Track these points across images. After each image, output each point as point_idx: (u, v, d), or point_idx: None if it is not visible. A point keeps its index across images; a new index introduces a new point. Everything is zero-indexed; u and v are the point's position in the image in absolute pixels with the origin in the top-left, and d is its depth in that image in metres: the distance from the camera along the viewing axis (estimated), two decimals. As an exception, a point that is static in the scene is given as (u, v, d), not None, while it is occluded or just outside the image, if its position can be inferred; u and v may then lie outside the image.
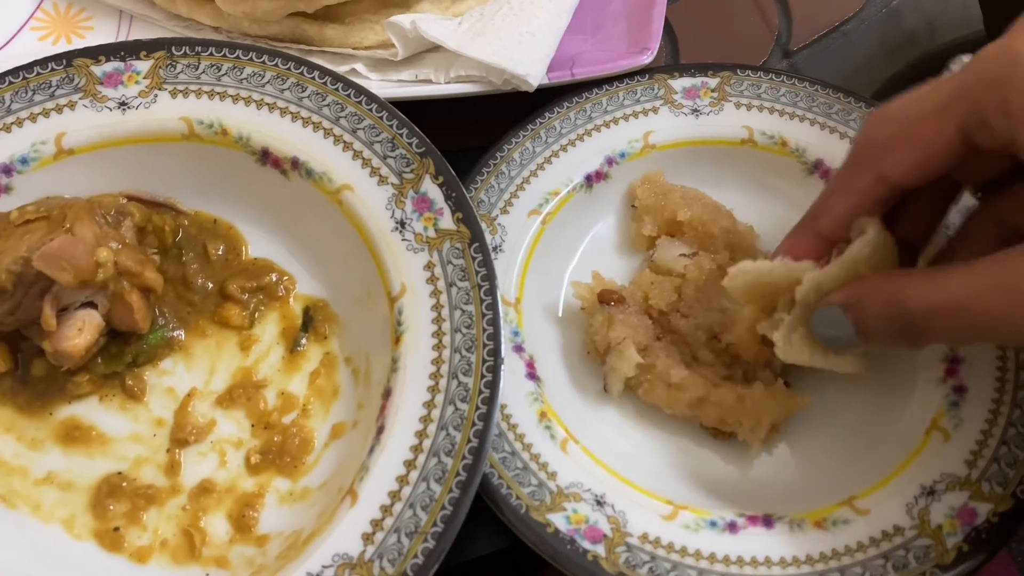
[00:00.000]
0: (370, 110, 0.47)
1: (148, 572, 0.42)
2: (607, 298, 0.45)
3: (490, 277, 0.43)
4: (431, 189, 0.45)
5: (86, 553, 0.42)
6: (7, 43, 0.54)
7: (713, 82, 0.52)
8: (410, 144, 0.46)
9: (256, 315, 0.48)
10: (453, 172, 0.45)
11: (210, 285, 0.48)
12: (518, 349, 0.45)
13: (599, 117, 0.51)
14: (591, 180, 0.50)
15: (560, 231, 0.49)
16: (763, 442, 0.43)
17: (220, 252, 0.49)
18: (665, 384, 0.43)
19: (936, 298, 0.32)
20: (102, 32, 0.56)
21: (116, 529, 0.43)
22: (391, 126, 0.46)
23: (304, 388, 0.46)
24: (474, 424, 0.40)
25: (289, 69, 0.48)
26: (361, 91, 0.47)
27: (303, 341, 0.47)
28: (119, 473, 0.44)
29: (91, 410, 0.46)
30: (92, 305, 0.44)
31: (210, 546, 0.43)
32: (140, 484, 0.44)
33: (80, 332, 0.44)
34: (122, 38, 0.56)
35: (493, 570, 0.49)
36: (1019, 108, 0.31)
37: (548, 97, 0.52)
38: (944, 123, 0.34)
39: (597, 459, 0.42)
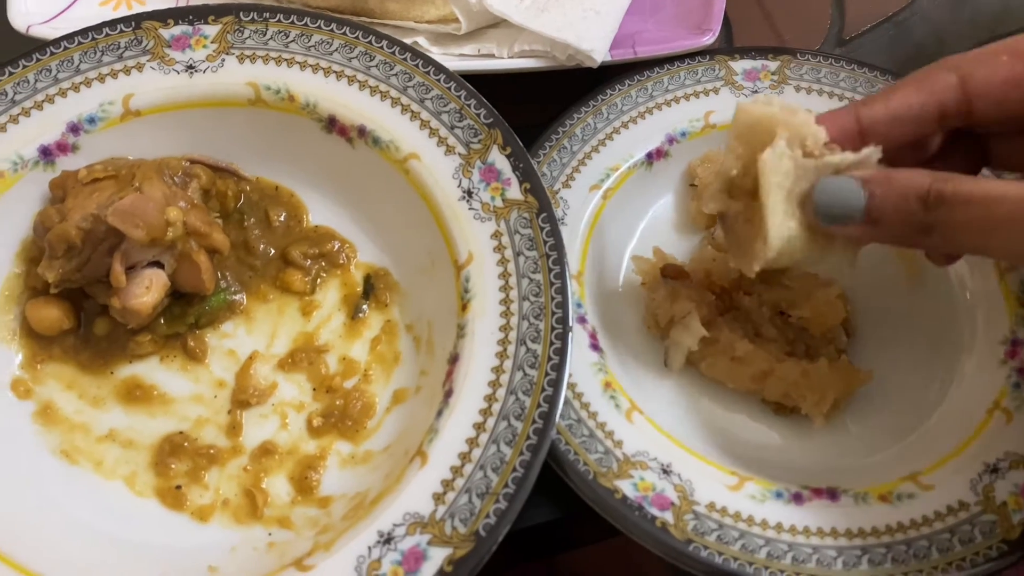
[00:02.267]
0: (438, 80, 0.47)
1: (210, 530, 0.42)
2: (670, 272, 0.46)
3: (558, 247, 0.43)
4: (499, 159, 0.45)
5: (148, 509, 0.43)
6: (69, 6, 0.54)
7: (773, 65, 0.52)
8: (478, 115, 0.46)
9: (318, 281, 0.48)
10: (520, 143, 0.45)
11: (272, 251, 0.49)
12: (581, 320, 0.45)
13: (660, 96, 0.51)
14: (652, 158, 0.50)
15: (620, 207, 0.49)
16: (826, 417, 0.43)
17: (282, 219, 0.49)
18: (729, 358, 0.44)
19: (977, 190, 0.32)
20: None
21: (178, 487, 0.43)
22: (459, 96, 0.47)
23: (365, 354, 0.46)
24: (544, 390, 0.40)
25: (357, 38, 0.48)
26: (429, 62, 0.47)
27: (364, 308, 0.48)
28: (180, 433, 0.44)
29: (152, 370, 0.46)
30: (159, 265, 0.45)
31: (272, 507, 0.43)
32: (201, 444, 0.44)
33: (148, 290, 0.44)
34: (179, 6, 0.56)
35: (522, 548, 0.49)
36: None
37: (601, 78, 0.52)
38: None
39: (662, 429, 0.42)
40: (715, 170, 0.38)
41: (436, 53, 0.53)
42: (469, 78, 0.49)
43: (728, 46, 0.59)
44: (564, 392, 0.40)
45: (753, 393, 0.44)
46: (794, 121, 0.35)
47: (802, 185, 0.35)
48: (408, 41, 0.53)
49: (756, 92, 0.51)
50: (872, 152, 0.34)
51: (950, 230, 0.32)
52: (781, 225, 0.34)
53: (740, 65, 0.52)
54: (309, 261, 0.48)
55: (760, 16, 0.61)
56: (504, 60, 0.51)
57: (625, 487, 0.40)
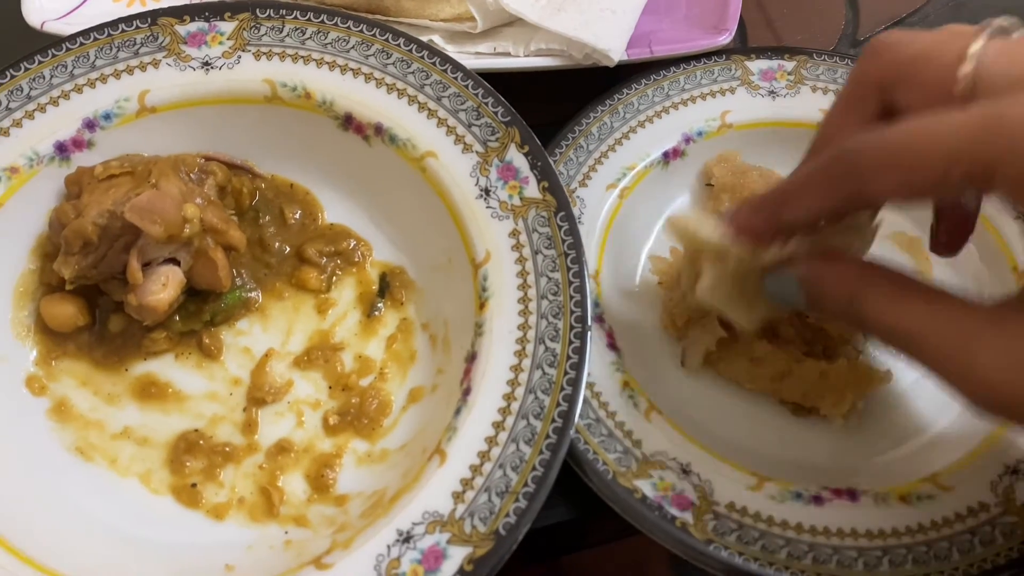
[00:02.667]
0: (455, 78, 0.47)
1: (226, 528, 0.42)
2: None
3: (576, 246, 0.43)
4: (516, 158, 0.45)
5: (163, 507, 0.42)
6: (82, 3, 0.54)
7: (790, 65, 0.52)
8: (495, 113, 0.46)
9: (333, 279, 0.48)
10: (538, 141, 0.45)
11: (287, 248, 0.48)
12: (599, 320, 0.45)
13: (676, 95, 0.51)
14: (668, 157, 0.50)
15: (637, 206, 0.49)
16: (845, 418, 0.43)
17: (297, 216, 0.49)
18: (747, 359, 0.43)
19: (890, 321, 0.31)
20: (176, -3, 0.56)
21: (193, 485, 0.43)
22: (476, 95, 0.47)
23: (381, 352, 0.46)
24: (563, 388, 0.40)
25: (374, 35, 0.48)
26: (446, 59, 0.47)
27: (380, 306, 0.47)
28: (196, 430, 0.44)
29: (167, 367, 0.46)
30: (175, 261, 0.44)
31: (288, 505, 0.42)
32: (217, 442, 0.44)
33: (164, 287, 0.44)
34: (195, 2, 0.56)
35: (529, 550, 0.49)
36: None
37: (616, 78, 0.52)
38: (949, 167, 0.29)
39: (681, 429, 0.42)
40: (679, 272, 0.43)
41: (451, 51, 0.53)
42: (484, 76, 0.49)
43: (742, 46, 0.59)
44: (583, 391, 0.39)
45: (771, 394, 0.44)
46: (713, 244, 0.37)
47: (751, 277, 0.37)
48: (423, 39, 0.53)
49: (773, 92, 0.51)
50: (798, 243, 0.36)
51: (889, 347, 0.33)
52: (749, 317, 0.38)
53: (756, 65, 0.52)
54: (324, 259, 0.48)
55: (774, 17, 0.61)
56: (520, 59, 0.51)
57: (645, 487, 0.40)
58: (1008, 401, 0.28)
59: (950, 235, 0.40)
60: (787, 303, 0.37)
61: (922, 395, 0.44)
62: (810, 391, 0.43)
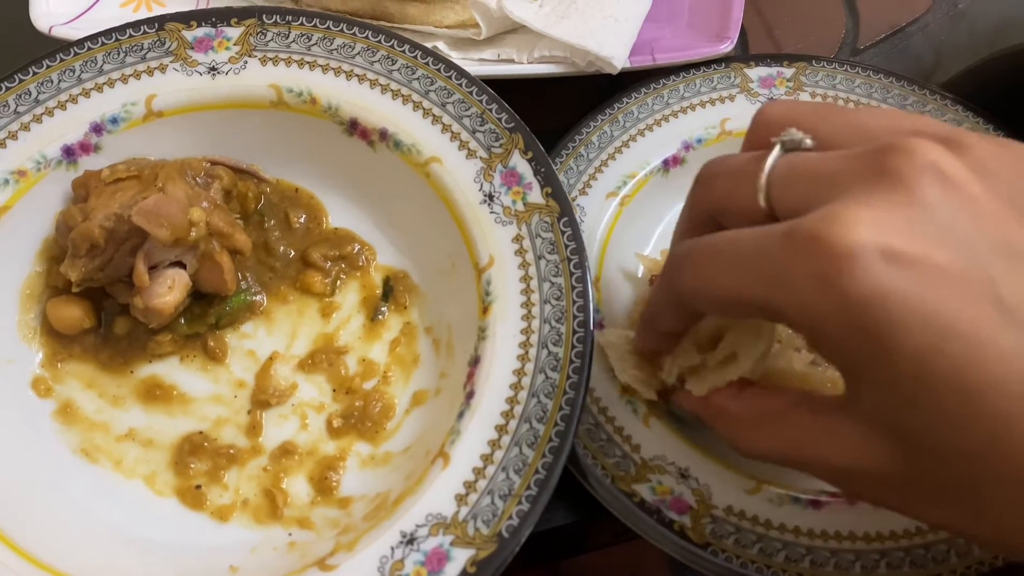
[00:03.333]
0: (459, 85, 0.47)
1: (230, 530, 0.42)
2: None
3: (579, 251, 0.43)
4: (520, 164, 0.46)
5: (168, 509, 0.43)
6: (90, 8, 0.54)
7: (788, 72, 0.53)
8: (499, 119, 0.47)
9: (337, 283, 0.48)
10: (542, 148, 0.46)
11: (292, 252, 0.49)
12: (599, 326, 0.46)
13: (676, 103, 0.51)
14: (668, 164, 0.50)
15: (637, 214, 0.50)
16: None
17: (301, 221, 0.49)
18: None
19: (756, 450, 0.34)
20: (181, 2, 0.56)
21: (198, 487, 0.43)
22: (480, 101, 0.47)
23: (384, 356, 0.47)
24: (565, 392, 0.40)
25: (380, 42, 0.48)
26: (451, 66, 0.48)
27: (383, 310, 0.48)
28: (200, 432, 0.45)
29: (172, 370, 0.46)
30: (180, 265, 0.45)
31: (292, 507, 0.43)
32: (221, 444, 0.44)
33: (170, 290, 0.44)
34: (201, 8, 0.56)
35: (530, 552, 0.49)
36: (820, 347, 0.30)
37: (617, 85, 0.52)
38: (742, 295, 0.31)
39: (679, 434, 0.43)
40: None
41: (456, 57, 0.53)
42: (488, 83, 0.50)
43: (743, 53, 0.59)
44: (585, 395, 0.40)
45: None
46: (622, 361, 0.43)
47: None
48: (428, 46, 0.53)
49: (772, 98, 0.51)
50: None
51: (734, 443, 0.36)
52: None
53: (756, 72, 0.52)
54: (329, 263, 0.48)
55: (774, 24, 0.61)
56: (524, 65, 0.52)
57: (643, 491, 0.40)
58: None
59: None
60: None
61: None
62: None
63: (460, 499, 0.38)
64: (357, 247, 0.49)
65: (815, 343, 0.29)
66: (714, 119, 0.51)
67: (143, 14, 0.55)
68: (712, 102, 0.51)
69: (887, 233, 0.26)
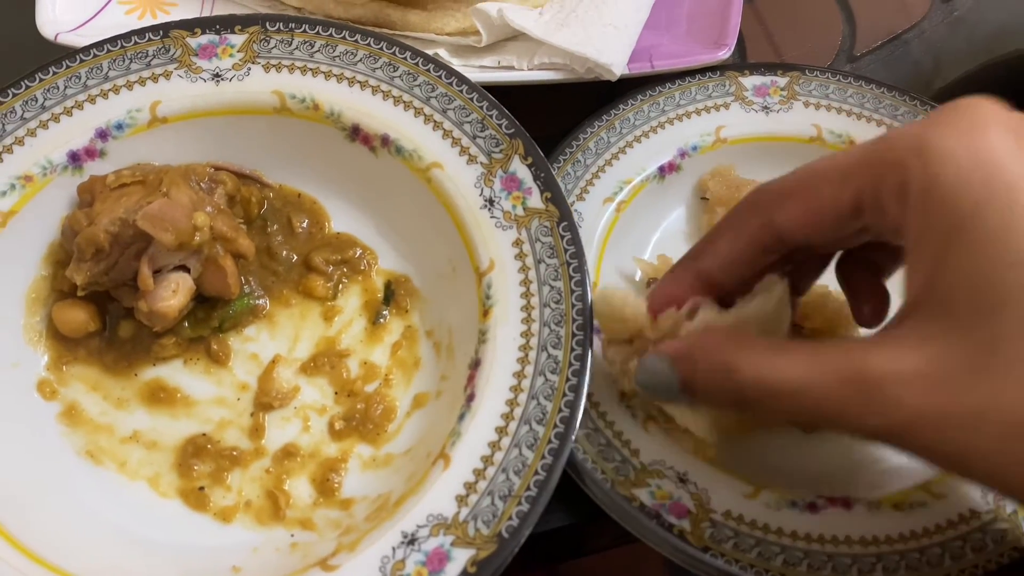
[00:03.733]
0: (460, 91, 0.48)
1: (232, 531, 0.43)
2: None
3: (579, 255, 0.44)
4: (520, 169, 0.46)
5: (172, 510, 0.43)
6: (96, 15, 0.55)
7: (782, 81, 0.53)
8: (499, 125, 0.47)
9: (339, 287, 0.49)
10: (542, 153, 0.46)
11: (294, 257, 0.49)
12: (597, 331, 0.46)
13: (672, 111, 0.52)
14: (664, 171, 0.51)
15: (633, 219, 0.50)
16: None
17: (304, 225, 0.50)
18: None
19: (771, 377, 0.31)
20: (186, 8, 0.57)
21: (201, 488, 0.44)
22: (481, 107, 0.48)
23: (386, 359, 0.47)
24: (565, 395, 0.41)
25: (381, 49, 0.49)
26: (452, 73, 0.48)
27: (385, 314, 0.48)
28: (204, 434, 0.45)
29: (176, 372, 0.47)
30: (184, 269, 0.45)
31: (294, 508, 0.43)
32: (224, 446, 0.45)
33: (174, 293, 0.44)
34: (206, 14, 0.57)
35: (529, 554, 0.50)
36: (915, 197, 0.30)
37: (615, 91, 0.53)
38: (842, 188, 0.32)
39: (677, 438, 0.43)
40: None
41: (456, 65, 0.54)
42: (488, 89, 0.50)
43: (741, 61, 0.60)
44: (584, 397, 0.40)
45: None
46: (633, 321, 0.39)
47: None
48: (429, 53, 0.54)
49: (766, 107, 0.52)
50: (680, 315, 0.38)
51: (773, 413, 0.33)
52: (695, 419, 0.39)
53: (750, 81, 0.53)
54: (331, 267, 0.49)
55: (775, 33, 0.62)
56: (524, 72, 0.52)
57: (643, 495, 0.41)
58: (924, 410, 0.28)
59: (872, 308, 0.40)
60: (660, 393, 0.35)
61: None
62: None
63: (461, 500, 0.39)
64: (359, 251, 0.50)
65: (915, 208, 0.30)
66: (709, 127, 0.51)
67: (148, 21, 0.56)
68: (707, 110, 0.52)
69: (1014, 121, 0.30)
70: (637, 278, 0.49)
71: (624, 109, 0.52)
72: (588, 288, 0.43)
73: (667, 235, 0.51)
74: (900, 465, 0.43)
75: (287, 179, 0.51)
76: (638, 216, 0.50)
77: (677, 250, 0.49)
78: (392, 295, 0.49)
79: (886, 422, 0.28)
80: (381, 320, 0.48)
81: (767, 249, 0.36)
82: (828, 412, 0.30)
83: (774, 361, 0.31)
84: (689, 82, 0.53)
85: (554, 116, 0.53)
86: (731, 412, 0.39)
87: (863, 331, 0.46)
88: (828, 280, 0.46)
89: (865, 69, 0.61)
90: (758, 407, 0.32)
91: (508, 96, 0.51)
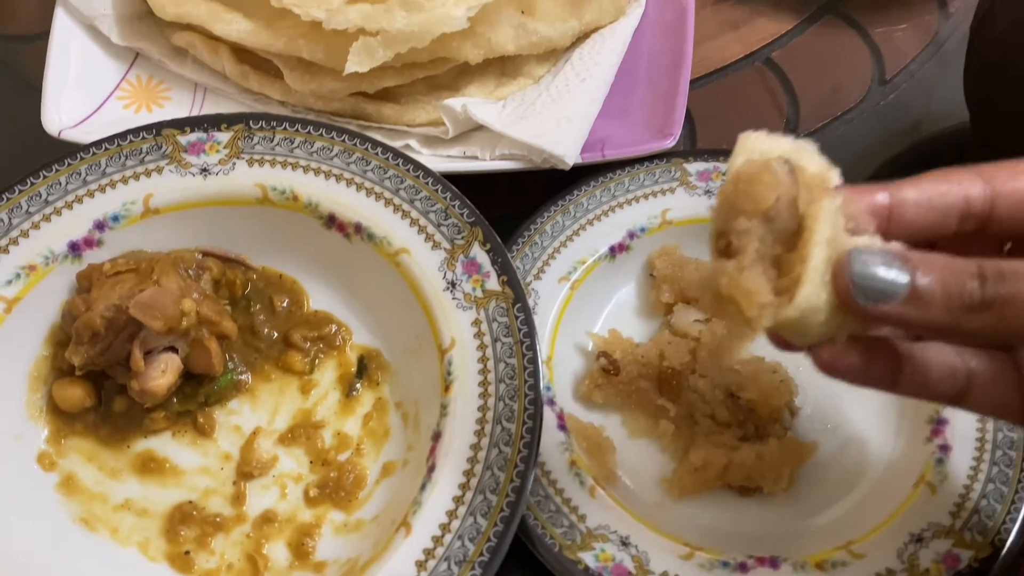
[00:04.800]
0: (426, 183, 0.53)
1: (215, 593, 0.47)
2: (606, 357, 0.51)
3: (531, 334, 0.48)
4: (479, 254, 0.51)
5: (160, 574, 0.47)
6: (96, 110, 0.60)
7: (724, 166, 0.58)
8: (461, 214, 0.52)
9: (316, 362, 0.53)
10: (499, 240, 0.51)
11: (275, 334, 0.54)
12: (550, 403, 0.50)
13: (622, 195, 0.57)
14: (614, 251, 0.55)
15: (586, 296, 0.54)
16: (785, 492, 0.48)
17: (284, 304, 0.54)
18: (691, 472, 0.48)
19: None
20: (179, 102, 0.62)
21: (187, 553, 0.48)
22: (445, 198, 0.52)
23: (358, 429, 0.51)
24: (516, 466, 0.45)
25: (355, 145, 0.54)
26: (419, 166, 0.53)
27: (357, 387, 0.53)
28: (190, 502, 0.49)
29: (165, 444, 0.51)
30: (173, 349, 0.50)
31: (272, 571, 0.47)
32: (209, 512, 0.49)
33: (163, 373, 0.49)
34: (197, 108, 0.62)
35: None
36: None
37: (578, 173, 0.58)
38: None
39: (622, 504, 0.47)
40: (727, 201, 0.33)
41: (426, 154, 0.59)
42: (454, 176, 0.55)
43: (691, 145, 0.65)
44: (535, 468, 0.45)
45: (721, 486, 0.49)
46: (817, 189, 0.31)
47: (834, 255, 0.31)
48: (401, 142, 0.59)
49: (709, 191, 0.57)
50: (899, 246, 0.32)
51: (1012, 306, 0.29)
52: (812, 293, 0.30)
53: (694, 167, 0.57)
54: (308, 343, 0.53)
55: (723, 115, 0.67)
56: (486, 162, 0.57)
57: (588, 558, 0.45)
58: None
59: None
60: (881, 289, 0.30)
61: (842, 467, 0.49)
62: (751, 473, 0.48)
63: (420, 565, 0.43)
64: (334, 327, 0.54)
65: None
66: (656, 210, 0.56)
67: (144, 114, 0.61)
68: (655, 194, 0.56)
69: None
70: (590, 349, 0.54)
71: (578, 195, 0.56)
72: (539, 365, 0.47)
73: (618, 310, 0.56)
74: (824, 526, 0.47)
75: (269, 262, 0.55)
76: (591, 293, 0.55)
77: (627, 324, 0.55)
78: (365, 368, 0.53)
79: None
80: (354, 392, 0.52)
81: (969, 209, 0.33)
82: None
83: None
84: (638, 168, 0.57)
85: (516, 197, 0.58)
86: (945, 324, 0.31)
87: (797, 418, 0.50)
88: (766, 350, 0.50)
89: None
90: (1005, 302, 0.29)
91: (474, 179, 0.56)
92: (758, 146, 0.33)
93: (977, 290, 0.30)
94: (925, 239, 0.34)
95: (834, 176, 0.32)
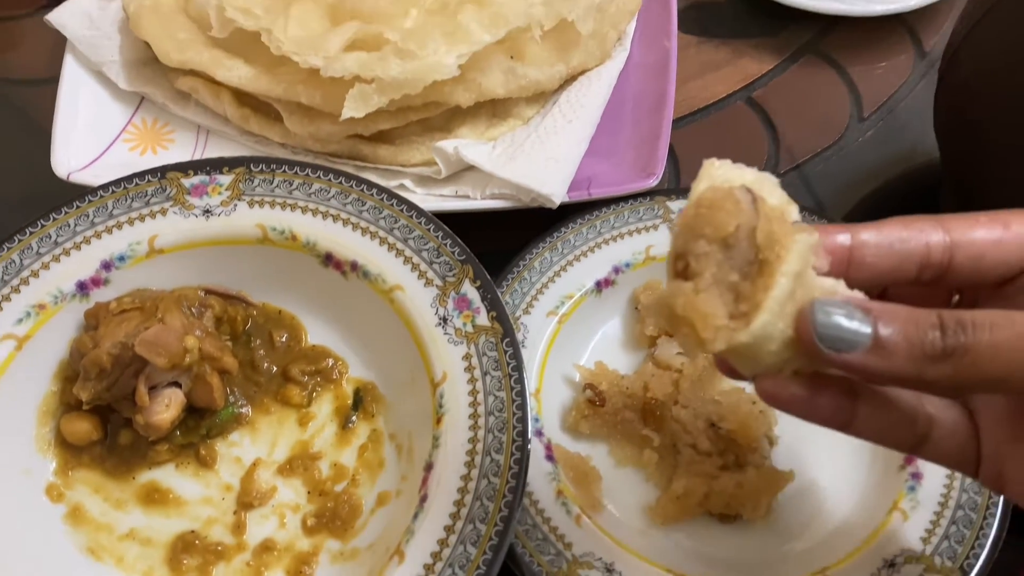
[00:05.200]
0: (419, 223, 0.55)
1: (216, 620, 0.49)
2: (592, 389, 0.53)
3: (519, 368, 0.50)
4: (470, 291, 0.53)
5: (163, 602, 0.49)
6: (103, 153, 0.63)
7: (707, 203, 0.60)
8: (452, 252, 0.54)
9: (313, 395, 0.55)
10: (489, 277, 0.53)
11: (274, 368, 0.56)
12: (538, 434, 0.52)
13: (607, 232, 0.59)
14: (600, 286, 0.58)
15: (574, 329, 0.57)
16: (764, 519, 0.50)
17: (283, 339, 0.57)
18: (673, 500, 0.50)
19: (1003, 313, 0.30)
20: (182, 143, 0.65)
21: (189, 581, 0.50)
22: (437, 237, 0.55)
23: (354, 460, 0.53)
24: (504, 496, 0.47)
25: (351, 186, 0.56)
26: (412, 206, 0.56)
27: (353, 419, 0.55)
28: (192, 531, 0.51)
29: (168, 475, 0.53)
30: (176, 384, 0.52)
31: (270, 598, 0.49)
32: (210, 541, 0.51)
33: (167, 407, 0.51)
34: (199, 150, 0.65)
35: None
36: None
37: (565, 210, 0.60)
38: None
39: (606, 532, 0.49)
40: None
41: (420, 193, 0.61)
42: (447, 215, 0.58)
43: (674, 184, 0.67)
44: (522, 498, 0.46)
45: (702, 512, 0.51)
46: (788, 229, 0.31)
47: (795, 295, 0.31)
48: (395, 182, 0.62)
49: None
50: (861, 296, 0.32)
51: (971, 356, 0.30)
52: (770, 322, 0.30)
53: (676, 204, 0.60)
54: (306, 377, 0.55)
55: (706, 154, 0.69)
56: (477, 201, 0.60)
57: (574, 584, 0.47)
58: None
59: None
60: (845, 339, 0.30)
61: (819, 494, 0.51)
62: (731, 501, 0.50)
63: (412, 592, 0.45)
64: (331, 361, 0.56)
65: None
66: (640, 246, 0.58)
67: (149, 156, 0.64)
68: (639, 231, 0.59)
69: None
70: (577, 380, 0.56)
71: (565, 232, 0.59)
72: (527, 398, 0.49)
73: (604, 343, 0.58)
74: (801, 552, 0.49)
75: (269, 298, 0.58)
76: (578, 326, 0.57)
77: (614, 357, 0.57)
78: (361, 401, 0.55)
79: None
80: (350, 425, 0.55)
81: (929, 258, 0.34)
82: None
83: (995, 310, 0.30)
84: (623, 206, 0.60)
85: (506, 233, 0.60)
86: (908, 374, 0.31)
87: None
88: (746, 381, 0.52)
89: (788, 185, 0.68)
90: (965, 352, 0.30)
91: (466, 218, 0.59)
92: (722, 173, 0.33)
93: (939, 340, 0.30)
94: (884, 284, 0.36)
95: (793, 211, 0.33)
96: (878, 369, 0.31)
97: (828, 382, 0.33)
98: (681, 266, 0.32)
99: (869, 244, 0.34)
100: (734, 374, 0.37)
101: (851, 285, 0.33)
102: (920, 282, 0.35)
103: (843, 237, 0.34)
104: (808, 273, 0.32)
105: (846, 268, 0.34)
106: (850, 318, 0.30)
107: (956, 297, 0.38)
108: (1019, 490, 0.34)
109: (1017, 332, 0.29)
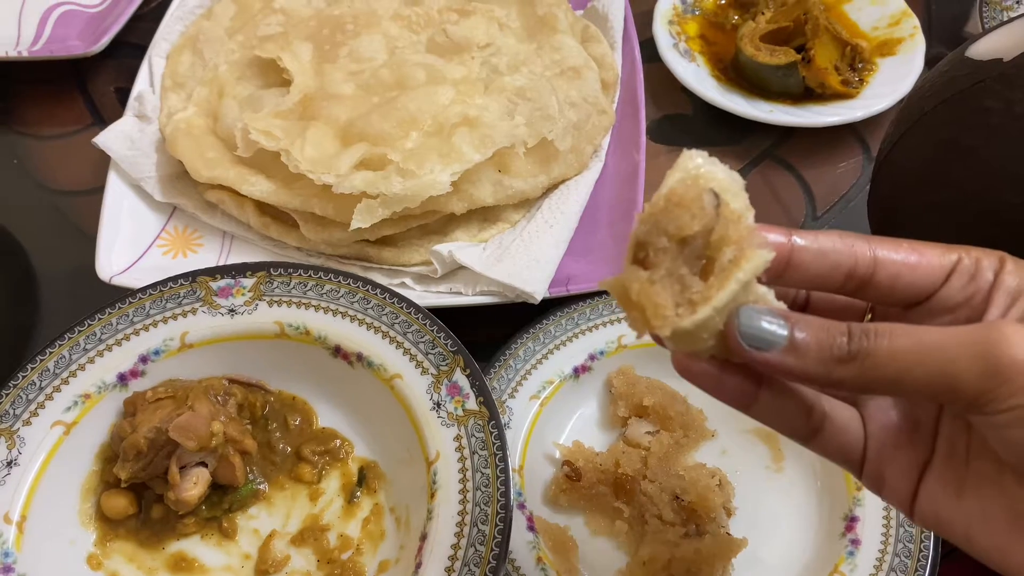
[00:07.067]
0: (416, 318, 0.63)
1: (235, 677, 0.55)
2: (570, 466, 0.60)
3: (503, 447, 0.57)
4: (461, 379, 0.61)
5: (188, 660, 0.55)
6: (140, 257, 0.71)
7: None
8: (446, 344, 0.62)
9: (323, 473, 0.62)
10: (477, 366, 0.61)
11: (288, 449, 0.63)
12: (521, 507, 0.59)
13: (584, 324, 0.67)
14: (578, 372, 0.65)
15: (554, 411, 0.64)
16: None
17: (297, 423, 0.64)
18: (640, 565, 0.57)
19: (901, 325, 0.33)
20: (210, 248, 0.74)
21: (211, 641, 0.56)
22: (432, 331, 0.62)
23: (358, 531, 0.60)
24: (489, 563, 0.53)
25: (358, 287, 0.65)
26: (411, 304, 0.64)
27: (358, 494, 0.62)
28: (214, 597, 0.58)
29: (194, 546, 0.60)
30: (203, 464, 0.59)
31: (283, 657, 0.55)
32: (230, 606, 0.57)
33: (195, 485, 0.58)
34: (225, 253, 0.73)
35: None
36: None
37: (547, 304, 0.68)
38: (945, 252, 0.37)
39: (582, 592, 0.55)
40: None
41: (419, 290, 0.69)
42: (443, 309, 0.65)
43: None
44: (505, 564, 0.53)
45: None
46: (741, 233, 0.34)
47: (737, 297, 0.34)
48: (397, 280, 0.70)
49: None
50: (783, 306, 0.35)
51: (873, 359, 0.33)
52: (710, 317, 0.33)
53: (647, 299, 0.68)
54: (317, 457, 0.63)
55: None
56: (469, 297, 0.68)
57: (551, 644, 0.53)
58: None
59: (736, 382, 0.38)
60: (763, 339, 0.34)
61: (770, 557, 0.58)
62: (691, 567, 0.56)
63: (408, 649, 0.51)
64: (339, 442, 0.63)
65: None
66: (613, 336, 0.66)
67: (180, 260, 0.72)
68: (612, 322, 0.66)
69: None
70: (557, 456, 0.63)
71: (546, 323, 0.67)
72: (510, 474, 0.56)
73: (581, 423, 0.65)
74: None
75: (285, 386, 0.65)
76: (557, 408, 0.64)
77: (590, 435, 0.64)
78: (364, 478, 0.62)
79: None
80: (355, 499, 0.61)
81: (855, 269, 0.37)
82: (955, 384, 0.32)
83: (912, 328, 0.33)
84: (598, 300, 0.68)
85: (495, 325, 0.68)
86: (820, 379, 0.35)
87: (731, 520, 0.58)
88: (707, 458, 0.59)
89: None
90: (868, 355, 0.33)
91: (459, 311, 0.67)
92: (695, 166, 0.35)
93: (845, 344, 0.33)
94: (814, 287, 0.39)
95: (750, 216, 0.35)
96: (791, 367, 0.34)
97: (739, 367, 0.37)
98: (641, 255, 0.35)
99: (809, 248, 0.37)
100: (659, 341, 0.39)
101: (787, 285, 0.38)
102: (844, 291, 0.38)
103: (787, 238, 0.38)
104: (752, 281, 0.34)
105: (785, 267, 0.37)
106: (770, 322, 0.34)
107: (869, 316, 0.43)
108: (894, 492, 0.38)
109: (914, 340, 0.33)
